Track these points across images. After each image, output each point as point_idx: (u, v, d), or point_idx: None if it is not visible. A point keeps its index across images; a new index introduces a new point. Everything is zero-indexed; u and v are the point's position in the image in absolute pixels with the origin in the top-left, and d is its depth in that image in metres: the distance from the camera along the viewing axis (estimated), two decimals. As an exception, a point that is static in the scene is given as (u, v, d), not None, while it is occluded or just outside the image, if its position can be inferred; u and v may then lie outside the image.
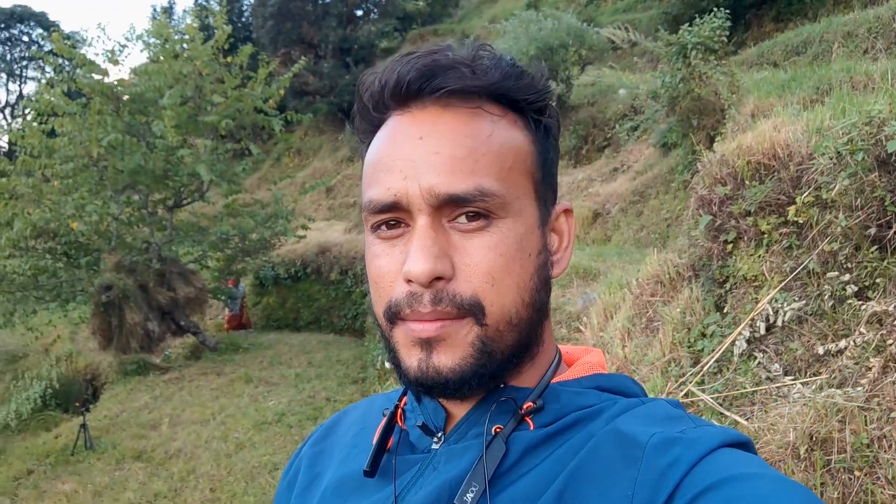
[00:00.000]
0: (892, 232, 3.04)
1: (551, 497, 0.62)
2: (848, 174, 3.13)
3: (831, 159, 3.29)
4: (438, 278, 0.64)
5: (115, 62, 11.07)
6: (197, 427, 8.28)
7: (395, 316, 0.67)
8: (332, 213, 22.95)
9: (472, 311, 0.65)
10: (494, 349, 0.66)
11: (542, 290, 0.71)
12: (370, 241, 0.70)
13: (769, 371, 3.22)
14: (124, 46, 11.26)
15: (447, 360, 0.65)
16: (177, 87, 10.56)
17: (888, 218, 3.04)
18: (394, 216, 0.67)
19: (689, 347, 3.85)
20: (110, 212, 11.08)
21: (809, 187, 3.42)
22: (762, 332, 3.39)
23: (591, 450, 0.64)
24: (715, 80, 7.69)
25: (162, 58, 11.15)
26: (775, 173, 3.66)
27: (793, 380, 3.07)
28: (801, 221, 3.43)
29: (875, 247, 3.08)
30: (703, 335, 3.83)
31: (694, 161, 6.87)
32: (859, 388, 2.71)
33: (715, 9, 8.11)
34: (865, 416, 2.58)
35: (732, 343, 3.48)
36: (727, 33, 8.03)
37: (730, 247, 3.83)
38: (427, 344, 0.65)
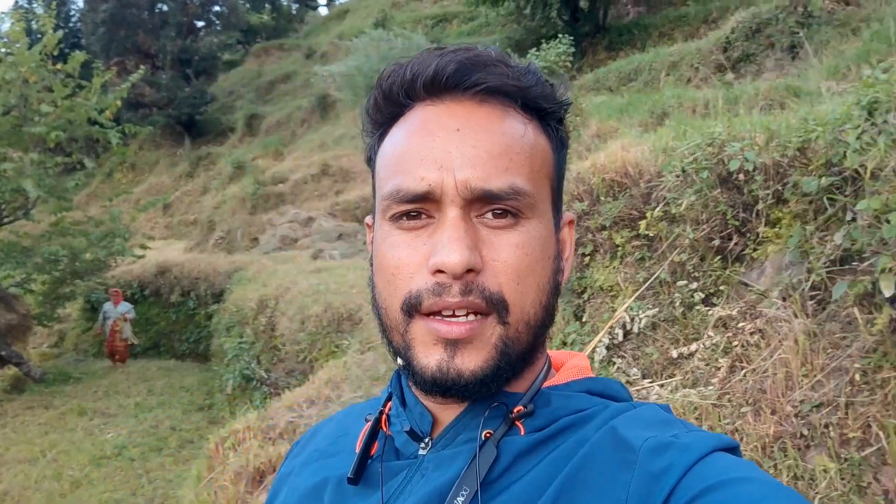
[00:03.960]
0: (732, 243, 3.33)
1: (546, 503, 0.61)
2: (694, 190, 3.40)
3: (678, 177, 3.56)
4: (470, 270, 0.63)
5: (-77, 65, 9.95)
6: (25, 466, 7.53)
7: (414, 308, 0.64)
8: (171, 232, 21.87)
9: (497, 307, 0.64)
10: (512, 350, 0.66)
11: (555, 294, 0.71)
12: (386, 230, 0.68)
13: (628, 375, 3.42)
14: (-67, 48, 10.16)
15: (470, 362, 0.63)
16: (-2, 95, 9.67)
17: (729, 230, 3.33)
18: (421, 207, 0.65)
19: (551, 356, 4.00)
20: (-84, 230, 9.92)
21: (659, 203, 3.68)
22: (620, 338, 3.59)
23: (584, 455, 0.63)
24: (560, 103, 8.10)
25: (-22, 62, 10.17)
26: (627, 190, 3.91)
27: (650, 382, 3.27)
28: (651, 235, 3.67)
29: (718, 257, 3.36)
30: (565, 343, 3.99)
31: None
32: (711, 387, 2.93)
33: (559, 35, 8.58)
34: (719, 413, 2.80)
35: (593, 350, 3.66)
36: (571, 59, 8.51)
37: (587, 259, 4.03)
38: (452, 344, 0.64)
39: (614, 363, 3.58)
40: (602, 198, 3.99)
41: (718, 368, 3.01)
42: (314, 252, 12.10)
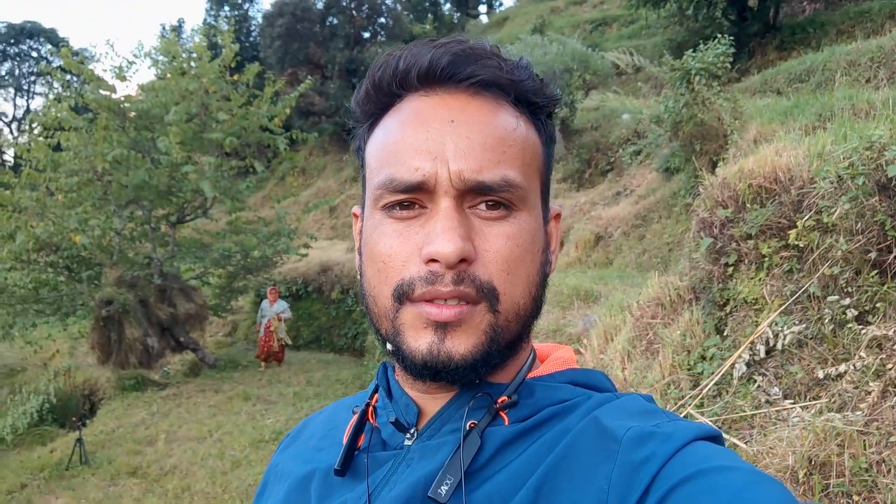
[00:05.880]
0: (892, 256, 3.03)
1: (529, 492, 0.61)
2: (849, 198, 3.13)
3: (832, 183, 3.30)
4: (463, 260, 0.64)
5: (123, 78, 11.16)
6: (193, 444, 8.23)
7: (405, 295, 0.66)
8: (335, 233, 23.03)
9: (488, 296, 0.65)
10: (501, 338, 0.66)
11: (543, 286, 0.72)
12: (378, 219, 0.69)
13: (769, 394, 3.20)
14: (132, 63, 11.36)
15: (460, 346, 0.65)
16: (183, 104, 10.62)
17: (888, 242, 3.04)
18: (414, 197, 0.66)
19: (688, 370, 3.83)
20: (113, 226, 11.11)
21: (810, 211, 3.42)
22: (762, 355, 3.37)
23: (567, 444, 0.63)
24: (718, 106, 7.73)
25: (169, 75, 11.24)
26: (776, 197, 3.66)
27: (792, 403, 3.04)
28: (801, 245, 3.42)
29: (875, 271, 3.07)
30: (703, 358, 3.81)
31: (696, 185, 6.89)
32: (858, 413, 2.69)
33: (719, 35, 8.18)
34: (864, 441, 2.56)
35: (732, 366, 3.47)
36: (731, 60, 8.08)
37: (730, 269, 3.82)
38: (442, 328, 0.64)
39: (754, 381, 3.37)
40: (748, 205, 3.77)
41: (869, 393, 2.75)
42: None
